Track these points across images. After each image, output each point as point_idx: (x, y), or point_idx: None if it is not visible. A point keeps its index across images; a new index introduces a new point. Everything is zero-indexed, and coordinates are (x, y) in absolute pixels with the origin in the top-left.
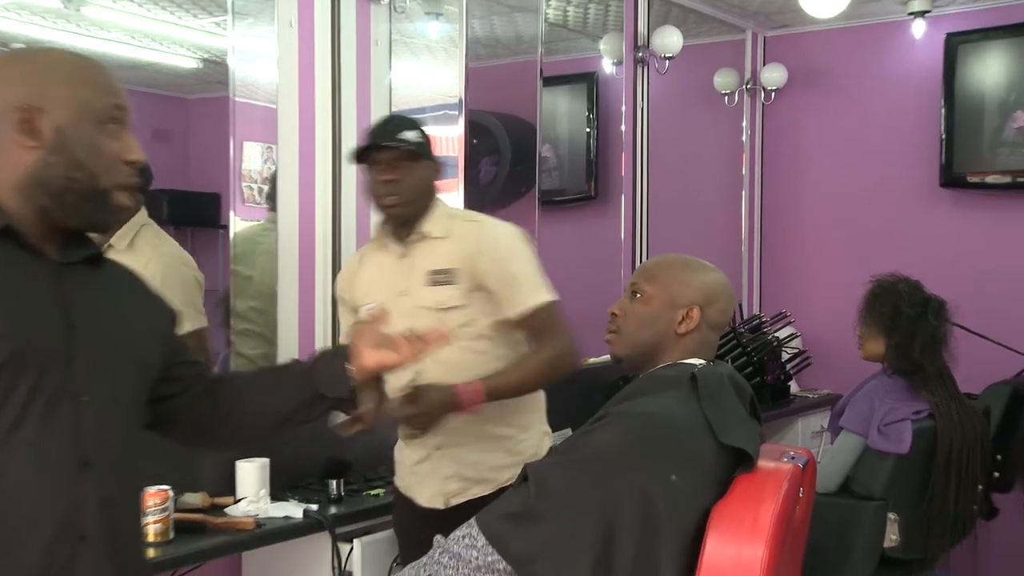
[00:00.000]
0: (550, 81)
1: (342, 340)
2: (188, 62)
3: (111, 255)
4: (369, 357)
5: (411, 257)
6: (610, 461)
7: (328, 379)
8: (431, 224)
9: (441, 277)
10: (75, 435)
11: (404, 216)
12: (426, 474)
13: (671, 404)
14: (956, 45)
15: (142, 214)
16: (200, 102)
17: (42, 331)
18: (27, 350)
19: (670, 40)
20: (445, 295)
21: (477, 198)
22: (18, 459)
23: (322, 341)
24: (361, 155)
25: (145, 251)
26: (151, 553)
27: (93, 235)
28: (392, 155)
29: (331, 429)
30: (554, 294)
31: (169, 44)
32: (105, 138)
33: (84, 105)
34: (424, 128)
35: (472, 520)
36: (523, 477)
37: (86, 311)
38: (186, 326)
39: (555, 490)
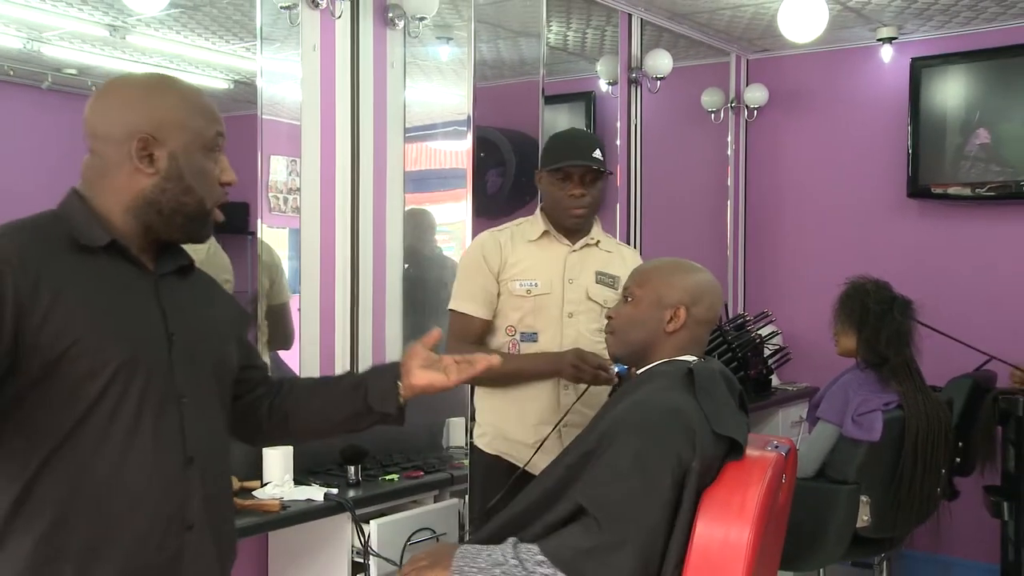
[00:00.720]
0: (551, 100)
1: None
2: (220, 83)
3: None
4: (419, 377)
5: (581, 255)
6: (647, 466)
7: (379, 395)
8: (600, 236)
9: (607, 280)
10: (180, 435)
11: (584, 225)
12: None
13: (675, 397)
14: (920, 69)
15: None
16: (231, 119)
17: (149, 339)
18: (138, 358)
19: (661, 62)
20: (608, 295)
21: (484, 207)
22: (137, 458)
23: (342, 346)
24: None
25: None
26: None
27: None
28: (589, 174)
29: None
30: None
31: (203, 67)
32: (211, 164)
33: (195, 134)
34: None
35: (543, 557)
36: (578, 509)
37: (180, 319)
38: None
39: (618, 512)
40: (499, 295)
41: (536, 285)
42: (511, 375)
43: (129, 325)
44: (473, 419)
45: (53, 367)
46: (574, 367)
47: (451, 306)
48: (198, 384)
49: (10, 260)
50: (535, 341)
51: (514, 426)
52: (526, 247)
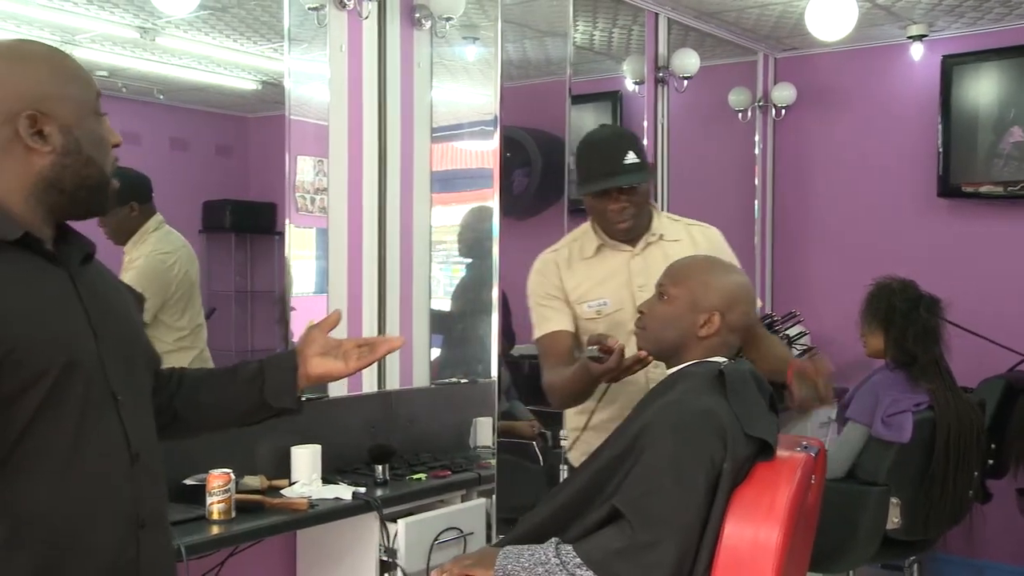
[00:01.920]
0: (577, 99)
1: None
2: (249, 84)
3: (124, 261)
4: (316, 366)
5: (644, 256)
6: (682, 467)
7: (275, 389)
8: (663, 227)
9: None
10: (123, 434)
11: (636, 232)
12: None
13: (707, 399)
14: (951, 66)
15: (152, 221)
16: (259, 120)
17: (81, 340)
18: (76, 360)
19: (688, 61)
20: None
21: (511, 206)
22: (86, 464)
23: None
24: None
25: (142, 252)
26: (215, 530)
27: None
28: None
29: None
30: None
31: (232, 68)
32: (103, 129)
33: (80, 100)
34: (637, 136)
35: (580, 561)
36: (614, 513)
37: (100, 313)
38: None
39: (652, 514)
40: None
41: (606, 304)
42: (575, 393)
43: (59, 326)
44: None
45: None
46: (603, 377)
47: (535, 337)
48: (129, 380)
49: None
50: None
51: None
52: (585, 265)
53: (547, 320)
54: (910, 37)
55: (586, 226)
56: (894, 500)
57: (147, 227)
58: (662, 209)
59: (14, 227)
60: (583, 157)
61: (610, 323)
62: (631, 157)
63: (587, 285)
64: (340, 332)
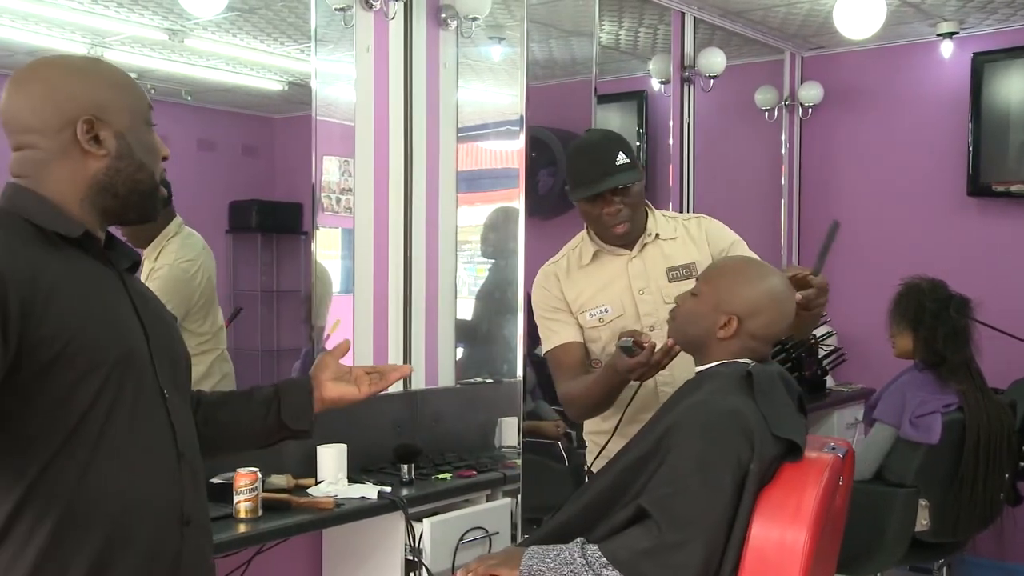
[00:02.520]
0: (603, 99)
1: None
2: (275, 85)
3: (145, 268)
4: (330, 390)
5: (642, 258)
6: (708, 468)
7: (292, 411)
8: (658, 226)
9: (681, 272)
10: (171, 430)
11: (632, 235)
12: None
13: (734, 400)
14: (982, 63)
15: (172, 225)
16: (285, 121)
17: (134, 336)
18: (131, 353)
19: (714, 61)
20: (688, 287)
21: (536, 206)
22: (138, 457)
23: (395, 346)
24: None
25: (165, 261)
26: (242, 529)
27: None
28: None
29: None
30: None
31: (259, 69)
32: (154, 138)
33: (134, 109)
34: (624, 138)
35: (606, 561)
36: (640, 513)
37: (148, 315)
38: None
39: (679, 514)
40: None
41: (607, 311)
42: (594, 404)
43: (114, 321)
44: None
45: (48, 370)
46: (632, 373)
47: (544, 351)
48: (175, 379)
49: (8, 264)
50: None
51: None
52: (583, 273)
53: (554, 333)
54: (940, 35)
55: (582, 234)
56: (923, 502)
57: (167, 232)
58: (688, 211)
59: (76, 225)
60: (573, 163)
61: (613, 330)
62: (621, 158)
63: (588, 293)
64: (366, 332)
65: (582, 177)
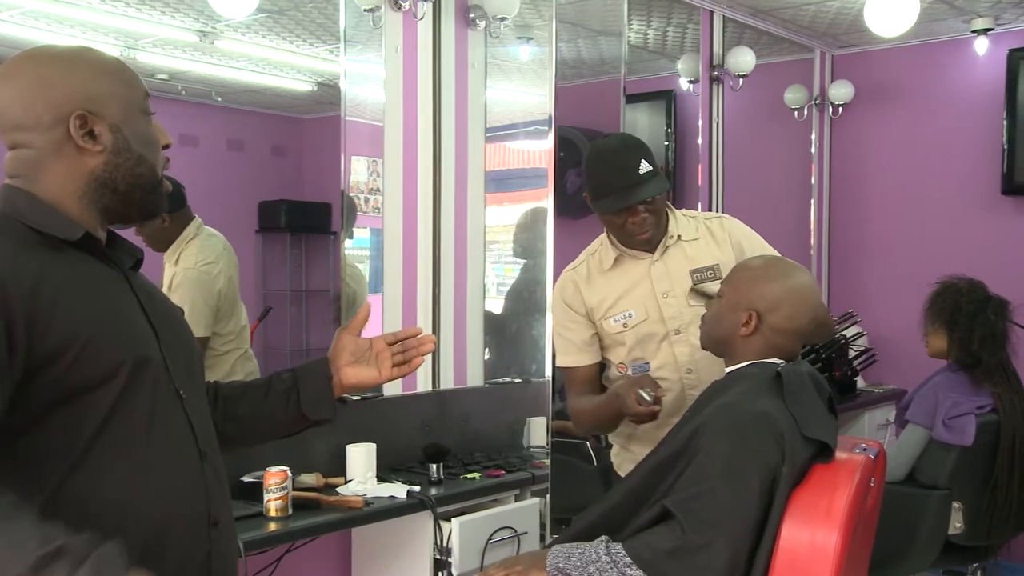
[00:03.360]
0: (631, 99)
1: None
2: (304, 86)
3: (166, 272)
4: (349, 375)
5: (664, 261)
6: (735, 471)
7: (312, 400)
8: (680, 227)
9: (705, 274)
10: (191, 431)
11: (656, 239)
12: None
13: (763, 401)
14: (1018, 60)
15: (190, 228)
16: (314, 121)
17: (146, 339)
18: (144, 358)
19: (743, 60)
20: (713, 289)
21: (564, 206)
22: (161, 460)
23: None
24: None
25: (185, 265)
26: (272, 527)
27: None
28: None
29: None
30: None
31: (288, 70)
32: (151, 128)
33: (128, 100)
34: (643, 142)
35: (630, 560)
36: (665, 513)
37: (156, 315)
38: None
39: (706, 517)
40: (598, 335)
41: (631, 315)
42: (599, 426)
43: (125, 325)
44: (606, 441)
45: (61, 380)
46: (628, 414)
47: (557, 363)
48: (190, 379)
49: (9, 276)
50: (648, 370)
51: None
52: (605, 279)
53: (568, 353)
54: (974, 31)
55: (602, 237)
56: (956, 504)
57: (185, 235)
58: (717, 211)
59: (75, 228)
60: (595, 172)
61: (638, 335)
62: (644, 166)
63: (611, 299)
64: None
65: (606, 188)
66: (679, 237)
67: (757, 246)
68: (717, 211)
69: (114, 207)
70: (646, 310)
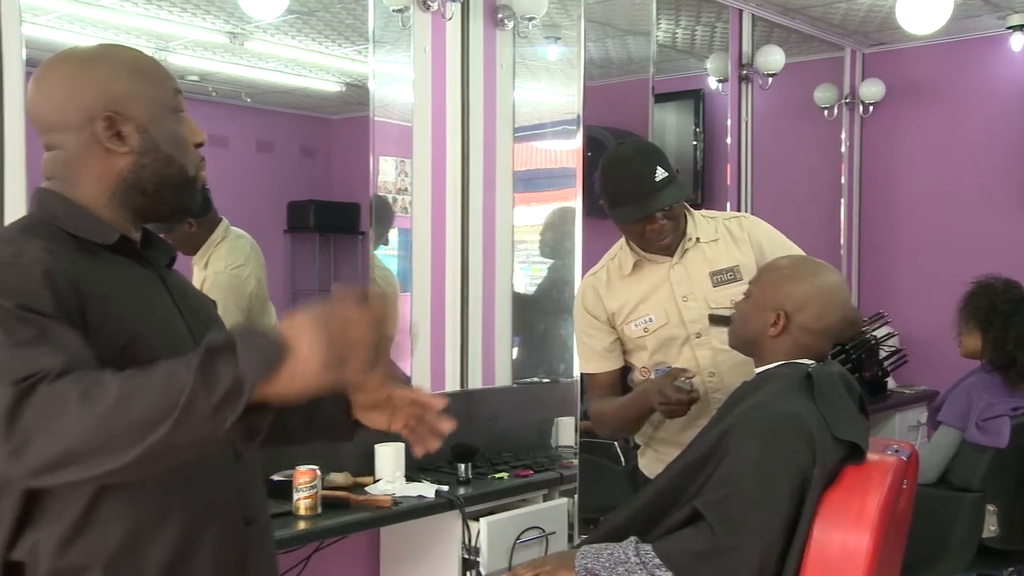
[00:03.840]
0: (660, 98)
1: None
2: (333, 86)
3: (196, 277)
4: (361, 415)
5: (683, 264)
6: (766, 472)
7: (327, 429)
8: (699, 229)
9: (725, 276)
10: None
11: (675, 243)
12: None
13: (794, 403)
14: None
15: (218, 231)
16: (342, 122)
17: (184, 340)
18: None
19: (773, 58)
20: (734, 291)
21: (592, 206)
22: (196, 457)
23: (452, 342)
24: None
25: (215, 269)
26: (301, 526)
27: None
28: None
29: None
30: None
31: (317, 71)
32: (180, 127)
33: (156, 99)
34: (658, 147)
35: (660, 561)
36: (695, 514)
37: (191, 316)
38: None
39: (736, 518)
40: (620, 340)
41: (651, 320)
42: (623, 427)
43: (162, 324)
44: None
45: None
46: (663, 404)
47: (579, 369)
48: None
49: (52, 265)
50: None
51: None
52: (624, 284)
53: (589, 359)
54: (1010, 27)
55: (621, 242)
56: (990, 507)
57: (213, 239)
58: (746, 210)
59: (110, 231)
60: (610, 181)
61: (659, 339)
62: (660, 173)
63: (631, 304)
64: (423, 332)
65: (622, 198)
66: (698, 239)
67: (778, 245)
68: (746, 211)
69: (145, 207)
70: (666, 314)
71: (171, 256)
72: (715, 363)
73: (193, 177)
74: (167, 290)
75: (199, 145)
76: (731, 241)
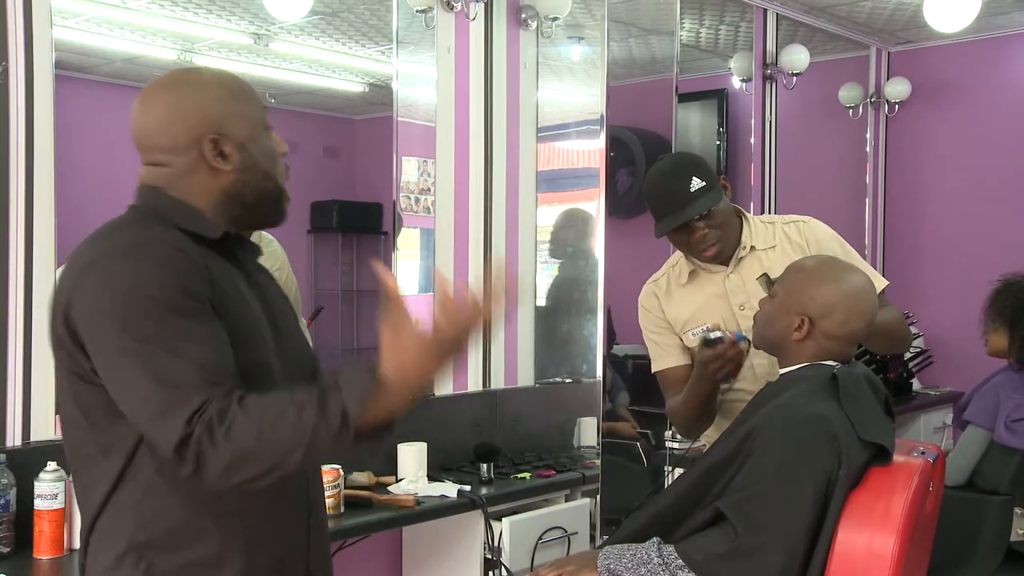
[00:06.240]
0: (683, 98)
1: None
2: (356, 87)
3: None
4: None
5: (738, 273)
6: (790, 473)
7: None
8: (754, 237)
9: None
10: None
11: (726, 252)
12: None
13: (819, 404)
14: None
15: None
16: (366, 122)
17: (266, 344)
18: (262, 365)
19: (797, 58)
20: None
21: (615, 205)
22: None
23: (475, 347)
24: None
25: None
26: None
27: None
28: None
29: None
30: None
31: (340, 72)
32: (272, 143)
33: (252, 118)
34: (698, 158)
35: (682, 563)
36: (718, 515)
37: (274, 316)
38: None
39: (759, 520)
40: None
41: (710, 326)
42: (692, 414)
43: (256, 321)
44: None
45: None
46: (711, 366)
47: (653, 369)
48: (299, 379)
49: (187, 247)
50: (727, 382)
51: None
52: (682, 293)
53: (659, 357)
54: None
55: (679, 255)
56: (1018, 510)
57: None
58: (768, 211)
59: (215, 227)
60: (649, 196)
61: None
62: (696, 183)
63: (688, 313)
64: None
65: (659, 211)
66: (752, 247)
67: (834, 251)
68: (770, 211)
69: (243, 217)
70: (723, 323)
71: (258, 255)
72: (772, 372)
73: (284, 189)
74: (259, 293)
75: (283, 155)
76: (788, 247)
